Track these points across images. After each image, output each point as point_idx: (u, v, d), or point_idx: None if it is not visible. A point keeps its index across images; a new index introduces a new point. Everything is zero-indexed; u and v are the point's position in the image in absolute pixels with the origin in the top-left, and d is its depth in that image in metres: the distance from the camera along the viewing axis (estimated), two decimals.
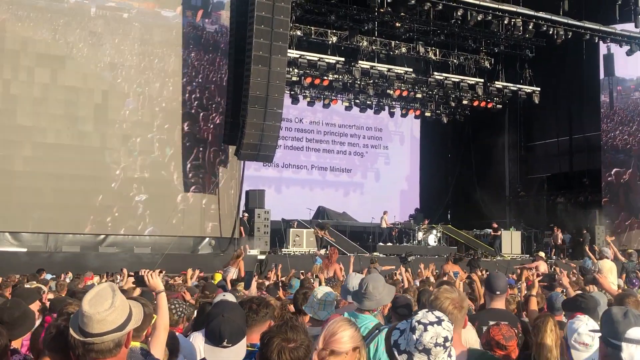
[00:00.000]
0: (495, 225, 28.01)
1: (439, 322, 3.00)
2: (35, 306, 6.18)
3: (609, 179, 29.45)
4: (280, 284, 10.15)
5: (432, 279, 12.21)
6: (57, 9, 21.03)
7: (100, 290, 3.02)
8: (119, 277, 15.19)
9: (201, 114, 22.60)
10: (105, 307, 2.94)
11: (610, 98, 29.65)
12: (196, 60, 22.66)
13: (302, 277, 11.96)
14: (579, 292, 6.92)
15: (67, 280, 13.37)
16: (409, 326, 3.01)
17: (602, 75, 29.46)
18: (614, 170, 29.23)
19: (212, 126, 22.51)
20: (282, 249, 23.12)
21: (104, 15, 21.58)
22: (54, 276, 15.11)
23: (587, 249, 18.07)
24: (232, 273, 11.19)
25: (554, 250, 27.60)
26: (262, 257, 21.38)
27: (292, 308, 6.45)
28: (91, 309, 2.92)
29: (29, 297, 6.29)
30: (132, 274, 9.29)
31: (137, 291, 6.94)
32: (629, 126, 29.10)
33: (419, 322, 2.98)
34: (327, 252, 16.71)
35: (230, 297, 5.42)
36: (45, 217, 20.33)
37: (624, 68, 29.01)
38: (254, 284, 7.38)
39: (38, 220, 20.32)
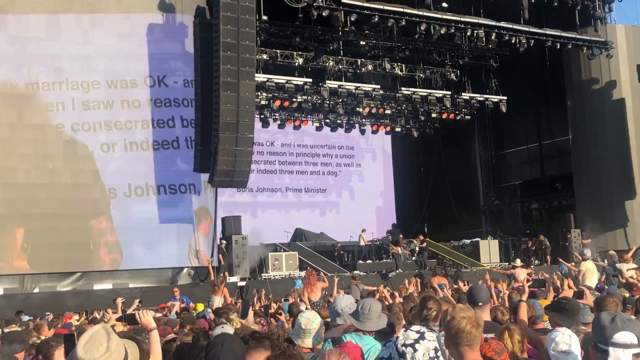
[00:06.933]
0: (421, 237, 27.35)
1: (422, 336, 2.99)
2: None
3: None
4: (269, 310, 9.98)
5: (415, 294, 12.16)
6: (21, 50, 20.85)
7: (95, 334, 2.92)
8: (97, 314, 14.99)
9: (172, 144, 22.43)
10: (101, 352, 2.85)
11: None
12: (165, 92, 22.51)
13: (290, 301, 11.84)
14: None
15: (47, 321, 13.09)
16: (396, 353, 2.97)
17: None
18: None
19: (185, 154, 22.30)
20: (262, 274, 22.97)
21: (68, 50, 21.42)
22: (32, 318, 14.84)
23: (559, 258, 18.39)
24: (217, 302, 11.03)
25: (534, 257, 27.73)
26: (243, 283, 21.21)
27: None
28: (86, 354, 2.83)
29: (18, 341, 6.22)
30: (119, 311, 9.16)
31: (120, 327, 6.82)
32: None
33: (405, 345, 2.95)
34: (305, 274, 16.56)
35: (229, 329, 5.38)
36: (19, 257, 19.97)
37: None
38: (250, 313, 7.22)
39: (13, 261, 19.96)
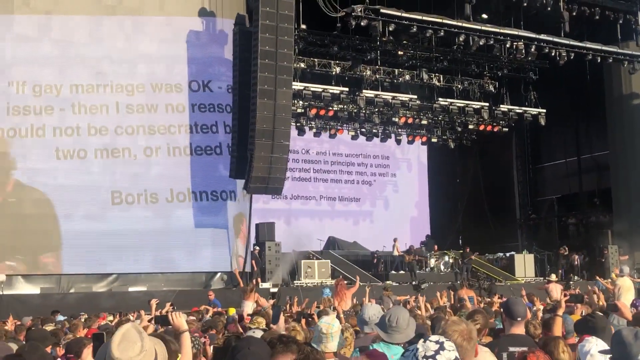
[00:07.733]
0: (468, 249, 27.16)
1: (442, 346, 2.96)
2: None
3: None
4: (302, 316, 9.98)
5: (447, 306, 12.09)
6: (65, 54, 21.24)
7: (126, 333, 2.93)
8: (131, 316, 15.15)
9: (215, 150, 22.59)
10: (137, 352, 2.87)
11: None
12: (210, 97, 22.71)
13: (321, 307, 11.83)
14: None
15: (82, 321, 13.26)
16: None
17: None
18: None
19: (227, 161, 22.41)
20: (295, 281, 23.00)
21: (111, 54, 21.75)
22: (67, 317, 15.04)
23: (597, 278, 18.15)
24: (249, 307, 11.08)
25: (570, 272, 27.29)
26: (275, 290, 21.27)
27: None
28: (122, 354, 2.85)
29: (44, 340, 6.31)
30: (151, 312, 9.25)
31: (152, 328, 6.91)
32: None
33: (426, 357, 2.93)
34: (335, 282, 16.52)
35: (258, 334, 5.42)
36: (57, 258, 20.30)
37: None
38: (281, 319, 7.22)
39: (50, 261, 20.28)
